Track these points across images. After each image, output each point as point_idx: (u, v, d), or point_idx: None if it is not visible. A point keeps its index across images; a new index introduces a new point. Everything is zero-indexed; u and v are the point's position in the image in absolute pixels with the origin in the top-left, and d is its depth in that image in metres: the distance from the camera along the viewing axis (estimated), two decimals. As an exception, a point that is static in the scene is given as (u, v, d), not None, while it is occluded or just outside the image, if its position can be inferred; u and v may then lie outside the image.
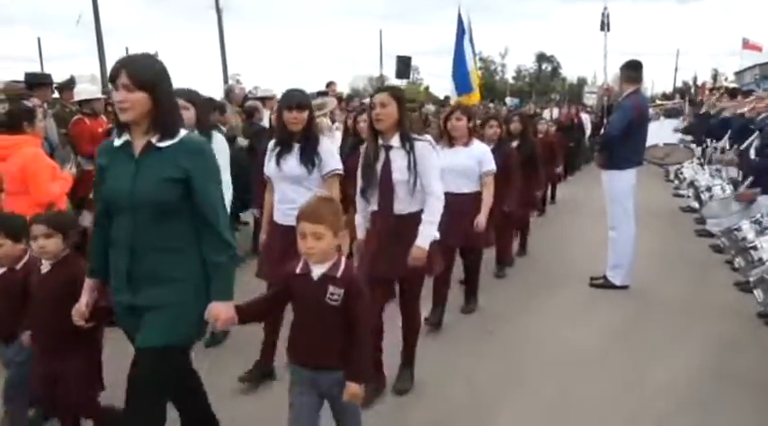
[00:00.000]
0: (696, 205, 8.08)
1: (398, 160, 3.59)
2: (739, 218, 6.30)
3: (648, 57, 36.64)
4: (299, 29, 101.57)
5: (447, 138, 4.97)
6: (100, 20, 18.79)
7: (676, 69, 49.68)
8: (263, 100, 8.42)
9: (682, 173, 9.67)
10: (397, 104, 3.55)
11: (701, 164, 8.58)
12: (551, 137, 9.87)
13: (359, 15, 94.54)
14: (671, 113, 10.07)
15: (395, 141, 3.60)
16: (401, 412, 3.67)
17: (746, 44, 23.49)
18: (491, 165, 4.92)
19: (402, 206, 3.62)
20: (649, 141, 6.49)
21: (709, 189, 7.01)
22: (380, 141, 3.64)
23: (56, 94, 7.24)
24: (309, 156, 3.71)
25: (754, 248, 5.61)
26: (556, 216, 10.15)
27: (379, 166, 3.63)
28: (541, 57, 67.17)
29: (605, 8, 8.59)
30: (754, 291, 5.46)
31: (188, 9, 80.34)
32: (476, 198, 4.92)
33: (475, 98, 12.00)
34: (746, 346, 4.75)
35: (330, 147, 3.96)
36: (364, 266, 3.66)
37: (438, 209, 3.59)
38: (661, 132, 7.54)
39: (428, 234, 3.56)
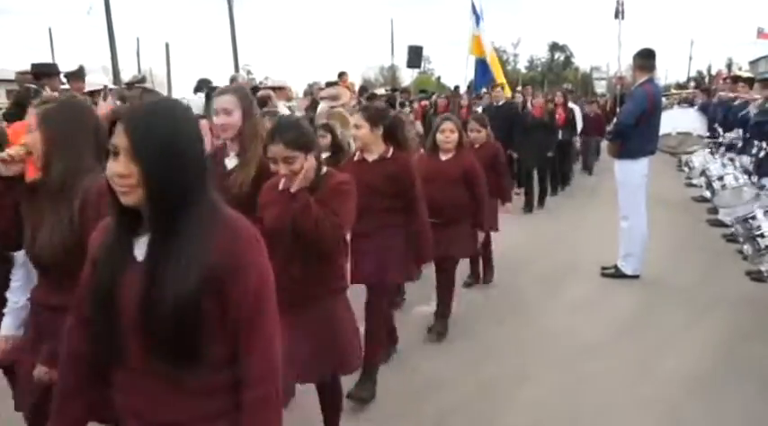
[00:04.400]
0: (708, 194, 8.01)
1: None
2: (752, 207, 6.25)
3: (662, 46, 36.15)
4: (309, 18, 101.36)
5: None
6: (111, 10, 18.84)
7: (690, 58, 48.89)
8: (275, 90, 8.43)
9: (691, 162, 9.57)
10: None
11: (712, 153, 8.49)
12: (490, 151, 5.54)
13: (370, 4, 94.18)
14: (684, 102, 9.95)
15: None
16: (412, 404, 3.69)
17: (761, 34, 23.39)
18: None
19: None
20: (663, 130, 6.46)
21: (720, 178, 6.94)
22: None
23: (66, 85, 7.24)
24: None
25: (762, 236, 5.59)
26: (565, 205, 10.12)
27: None
28: (554, 47, 66.64)
29: (620, -5, 8.57)
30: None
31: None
32: None
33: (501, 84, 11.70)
34: (758, 335, 4.74)
35: None
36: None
37: None
38: (674, 121, 7.47)
39: None
